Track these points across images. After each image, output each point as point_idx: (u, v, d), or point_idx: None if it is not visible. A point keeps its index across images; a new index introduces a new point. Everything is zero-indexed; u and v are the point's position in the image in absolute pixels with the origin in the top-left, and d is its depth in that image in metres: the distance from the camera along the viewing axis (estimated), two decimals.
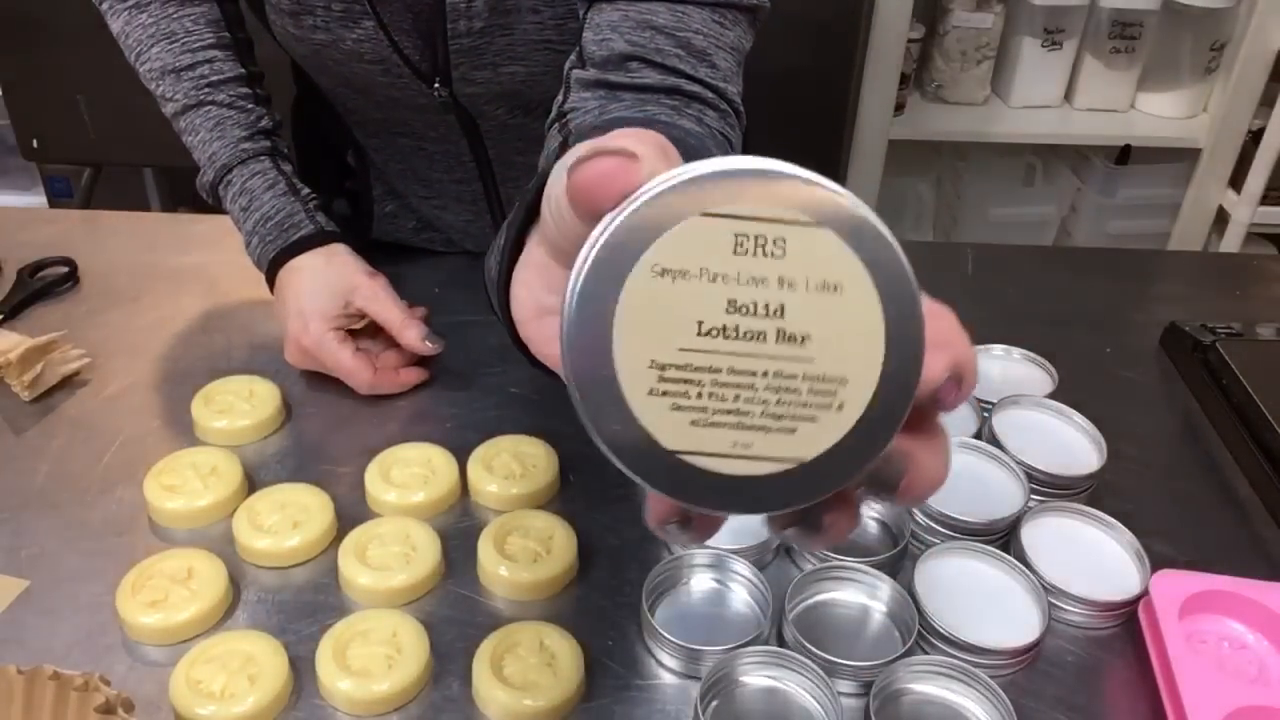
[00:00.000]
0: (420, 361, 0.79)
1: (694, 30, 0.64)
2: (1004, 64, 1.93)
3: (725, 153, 0.49)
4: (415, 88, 0.79)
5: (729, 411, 0.29)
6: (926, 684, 0.57)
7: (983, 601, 0.62)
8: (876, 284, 0.28)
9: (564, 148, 0.60)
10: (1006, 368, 0.82)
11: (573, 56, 0.67)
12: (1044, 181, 2.10)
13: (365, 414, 0.75)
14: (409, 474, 0.67)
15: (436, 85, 0.79)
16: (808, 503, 0.30)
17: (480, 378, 0.78)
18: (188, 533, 0.65)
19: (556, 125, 0.64)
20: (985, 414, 0.75)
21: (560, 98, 0.66)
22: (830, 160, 1.61)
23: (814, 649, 0.56)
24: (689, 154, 0.32)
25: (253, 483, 0.68)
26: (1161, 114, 1.94)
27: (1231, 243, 1.87)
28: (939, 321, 0.31)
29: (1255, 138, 1.80)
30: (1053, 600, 0.62)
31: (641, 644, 0.59)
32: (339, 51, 0.78)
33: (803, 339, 0.28)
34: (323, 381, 0.77)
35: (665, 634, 0.57)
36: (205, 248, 0.92)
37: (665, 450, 0.29)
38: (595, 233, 0.28)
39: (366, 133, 0.90)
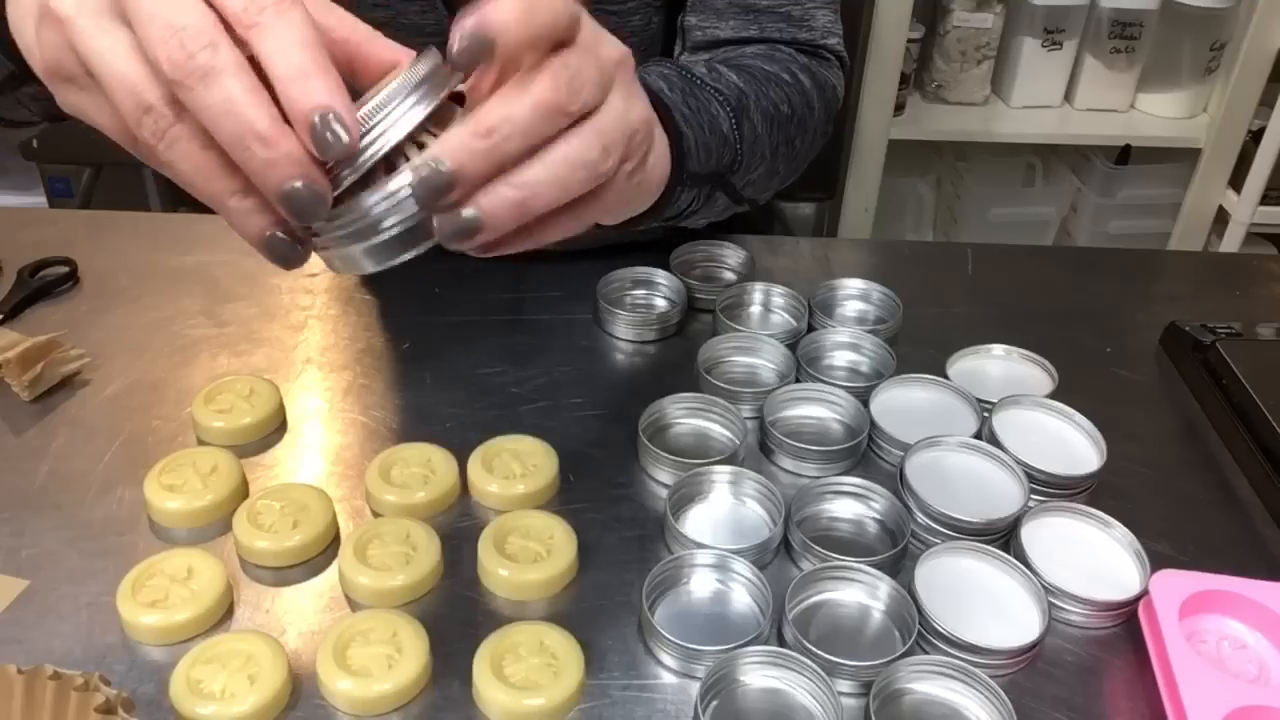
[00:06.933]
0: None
1: (793, 2, 0.74)
2: (1004, 64, 1.93)
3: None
4: None
5: None
6: (926, 684, 0.57)
7: (983, 601, 0.62)
8: None
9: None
10: (1006, 368, 0.82)
11: (679, 44, 0.77)
12: (1044, 181, 2.11)
13: (366, 414, 0.75)
14: (409, 474, 0.67)
15: None
16: None
17: (480, 378, 0.78)
18: (188, 533, 0.65)
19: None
20: (985, 414, 0.75)
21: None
22: (830, 160, 1.61)
23: (814, 649, 0.56)
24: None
25: (252, 483, 0.68)
26: (1161, 114, 1.94)
27: (1231, 243, 1.87)
28: None
29: (1255, 138, 1.80)
30: (1053, 600, 0.62)
31: (641, 644, 0.59)
32: (395, 28, 0.76)
33: None
34: (324, 381, 0.77)
35: (665, 634, 0.57)
36: (205, 248, 0.92)
37: None
38: None
39: None
